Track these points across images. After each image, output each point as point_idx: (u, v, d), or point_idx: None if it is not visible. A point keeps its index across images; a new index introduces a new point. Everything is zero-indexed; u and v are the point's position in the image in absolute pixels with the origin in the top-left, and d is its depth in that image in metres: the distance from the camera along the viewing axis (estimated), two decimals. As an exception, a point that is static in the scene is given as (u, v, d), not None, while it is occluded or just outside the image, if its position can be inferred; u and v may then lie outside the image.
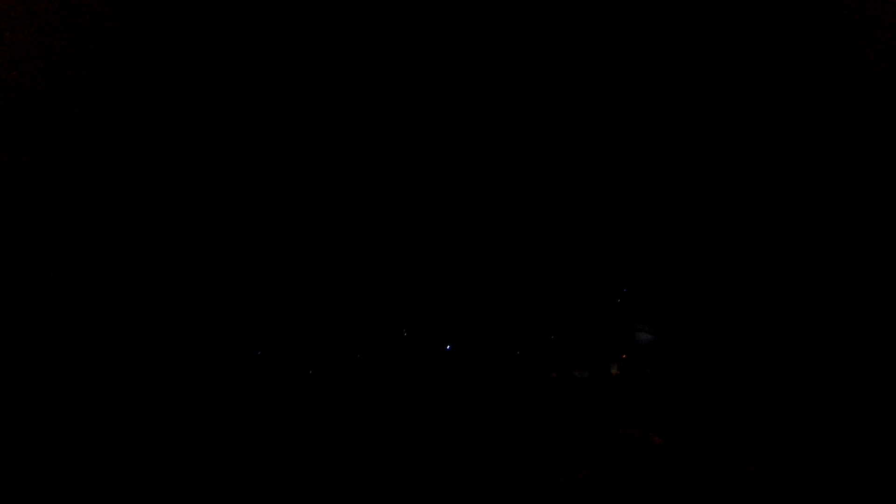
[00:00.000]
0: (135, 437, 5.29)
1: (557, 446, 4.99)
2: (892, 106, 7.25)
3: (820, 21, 7.04)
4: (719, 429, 5.16)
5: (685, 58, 8.03)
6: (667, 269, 8.74)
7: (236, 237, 8.75)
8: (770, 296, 7.71)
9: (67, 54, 6.81)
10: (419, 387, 7.53)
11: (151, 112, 8.21)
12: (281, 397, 6.77)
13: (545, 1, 8.18)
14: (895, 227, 7.26)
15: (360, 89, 8.73)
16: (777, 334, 7.34)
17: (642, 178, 8.68)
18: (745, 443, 4.84)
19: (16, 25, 6.44)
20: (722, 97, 8.10)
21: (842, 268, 7.39)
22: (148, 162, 8.21)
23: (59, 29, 6.60)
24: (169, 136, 8.33)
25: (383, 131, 8.96)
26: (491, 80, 8.45)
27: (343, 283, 9.07)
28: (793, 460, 4.50)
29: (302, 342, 8.82)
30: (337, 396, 6.97)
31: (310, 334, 8.84)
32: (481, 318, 9.22)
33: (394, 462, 5.04)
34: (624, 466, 4.14)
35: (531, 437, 5.33)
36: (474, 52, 8.30)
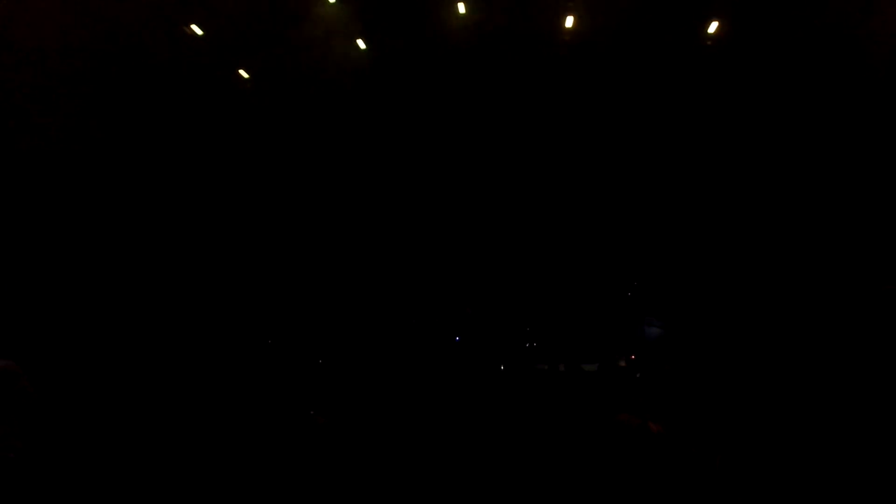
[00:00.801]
0: (144, 425, 5.36)
1: (562, 434, 5.05)
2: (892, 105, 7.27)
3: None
4: (720, 421, 5.19)
5: (694, 71, 8.09)
6: (676, 266, 8.75)
7: (248, 229, 8.79)
8: (775, 293, 7.73)
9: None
10: (428, 377, 7.53)
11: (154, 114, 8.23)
12: (290, 386, 6.80)
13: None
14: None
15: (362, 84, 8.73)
16: (781, 330, 7.36)
17: (652, 176, 8.71)
18: (743, 436, 4.88)
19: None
20: (728, 99, 8.14)
21: (844, 266, 7.40)
22: (161, 159, 8.24)
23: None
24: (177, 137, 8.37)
25: (391, 127, 8.96)
26: (504, 76, 8.43)
27: (352, 275, 9.07)
28: (793, 454, 4.53)
29: (311, 332, 8.81)
30: (345, 385, 6.99)
31: (319, 325, 8.84)
32: (493, 311, 9.22)
33: (402, 450, 5.07)
34: (620, 450, 4.23)
35: (537, 427, 5.38)
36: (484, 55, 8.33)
